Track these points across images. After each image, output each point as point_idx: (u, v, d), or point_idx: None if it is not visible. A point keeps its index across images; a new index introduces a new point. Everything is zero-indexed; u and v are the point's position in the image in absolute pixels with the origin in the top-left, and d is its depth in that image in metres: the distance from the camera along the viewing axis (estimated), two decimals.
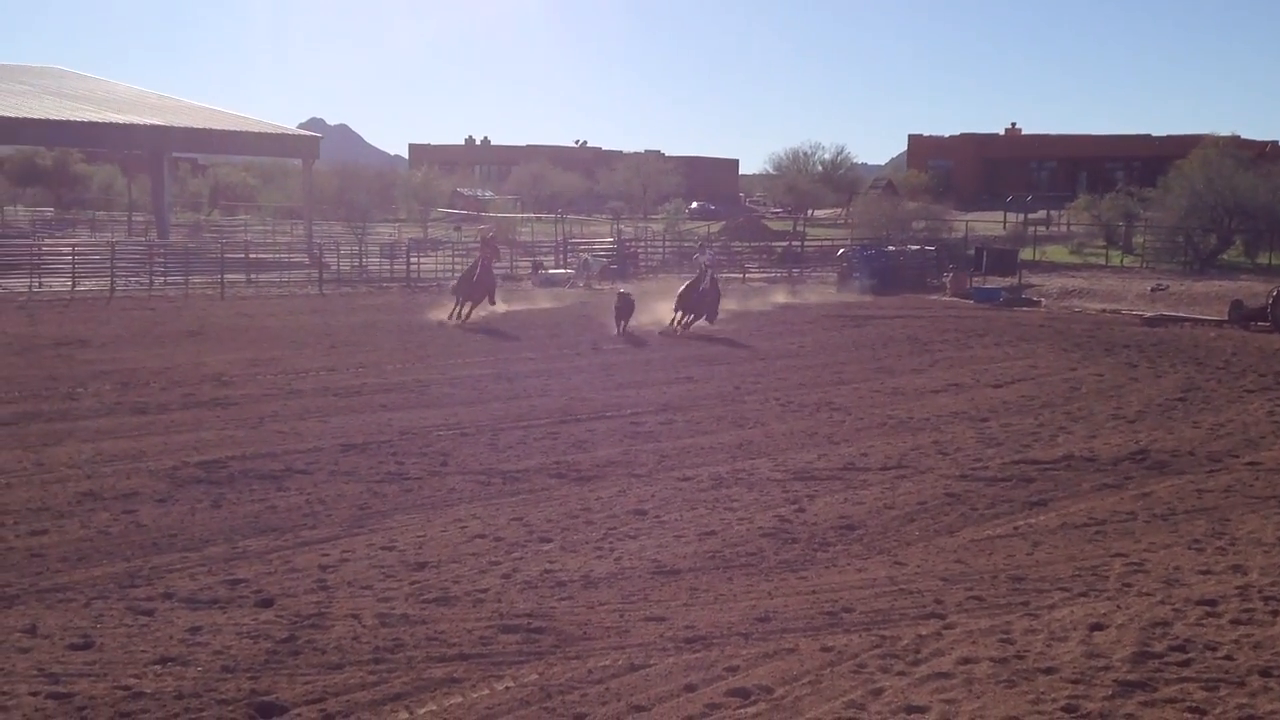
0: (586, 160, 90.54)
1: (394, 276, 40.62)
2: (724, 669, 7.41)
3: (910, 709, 6.82)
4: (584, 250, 46.69)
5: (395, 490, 11.74)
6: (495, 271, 29.84)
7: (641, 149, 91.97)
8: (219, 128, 49.66)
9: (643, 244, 50.06)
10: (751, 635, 7.98)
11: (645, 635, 7.95)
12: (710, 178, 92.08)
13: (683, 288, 27.14)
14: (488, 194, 78.25)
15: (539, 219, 62.86)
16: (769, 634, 8.00)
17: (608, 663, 7.46)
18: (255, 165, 78.26)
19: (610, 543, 10.15)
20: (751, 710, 6.84)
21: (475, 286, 27.71)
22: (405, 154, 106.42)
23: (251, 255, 41.13)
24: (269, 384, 17.91)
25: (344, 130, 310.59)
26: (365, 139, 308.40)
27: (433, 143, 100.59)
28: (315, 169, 53.44)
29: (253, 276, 38.06)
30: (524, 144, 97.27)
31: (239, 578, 8.98)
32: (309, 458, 13.01)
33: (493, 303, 28.20)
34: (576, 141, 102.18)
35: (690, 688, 7.12)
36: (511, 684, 7.14)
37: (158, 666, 7.26)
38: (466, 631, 7.93)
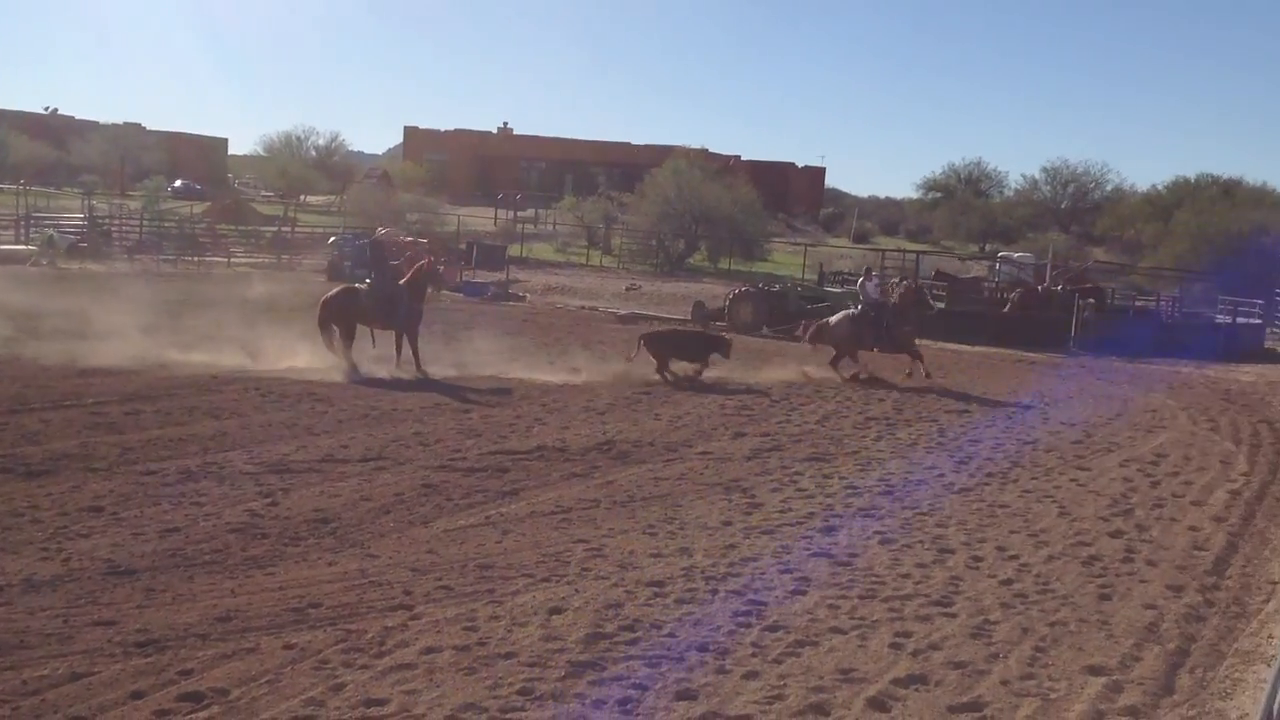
0: (57, 129, 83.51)
1: None
2: (177, 673, 7.06)
3: (370, 702, 6.82)
4: (49, 226, 43.02)
5: None
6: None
7: (120, 120, 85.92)
8: None
9: (118, 222, 46.89)
10: (210, 636, 7.66)
11: (91, 641, 7.42)
12: (196, 156, 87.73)
13: (839, 318, 23.00)
14: None
15: None
16: (229, 634, 7.72)
17: (46, 672, 6.89)
18: None
19: (59, 543, 9.38)
20: (204, 714, 6.56)
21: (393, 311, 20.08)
22: None
23: None
24: None
25: None
26: None
27: None
28: None
29: None
30: None
31: None
32: None
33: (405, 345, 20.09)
34: (46, 108, 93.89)
35: (138, 694, 6.73)
36: None
37: None
38: None
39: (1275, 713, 4.93)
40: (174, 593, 8.46)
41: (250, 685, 6.94)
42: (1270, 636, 8.73)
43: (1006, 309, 32.69)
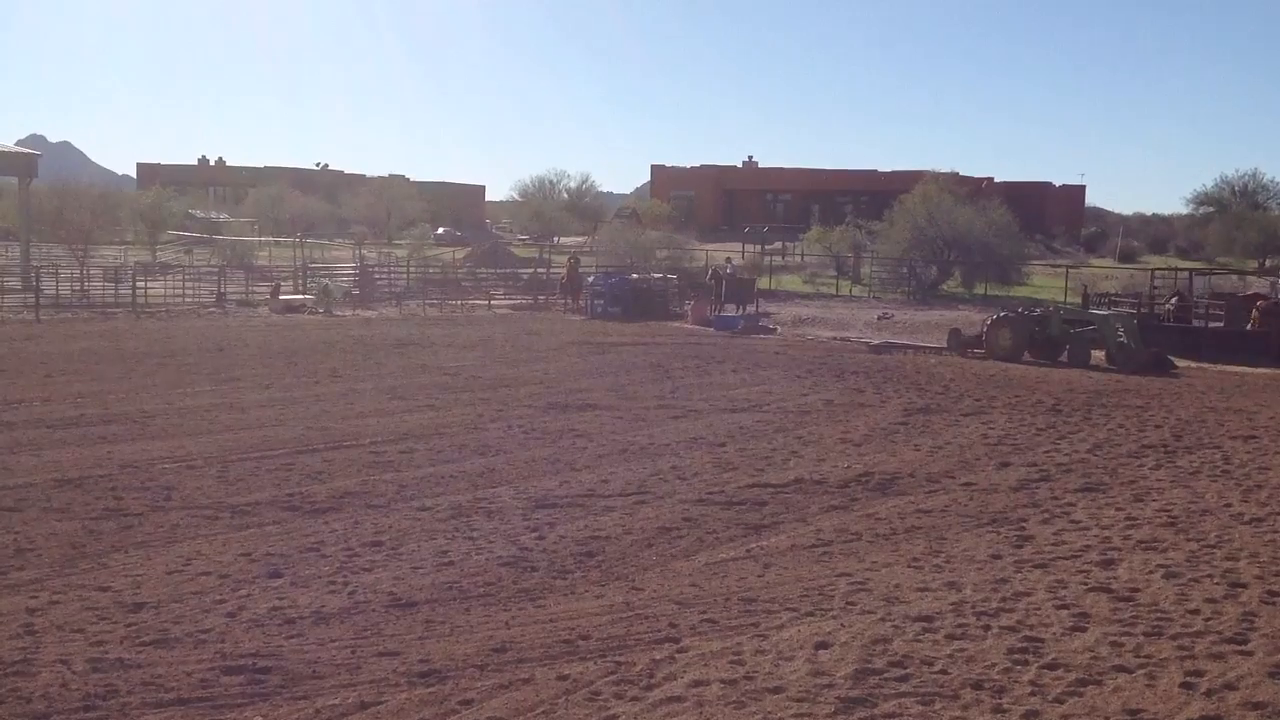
0: (328, 183, 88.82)
1: (119, 302, 38.71)
2: (458, 703, 7.29)
3: None
4: (324, 276, 45.66)
5: (113, 527, 11.11)
6: None
7: (385, 173, 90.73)
8: None
9: (386, 270, 49.32)
10: (487, 667, 7.89)
11: (377, 671, 7.75)
12: (456, 203, 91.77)
13: None
14: (223, 216, 75.54)
15: (278, 243, 61.10)
16: (504, 665, 7.93)
17: (337, 701, 7.23)
18: None
19: (344, 576, 9.86)
20: None
21: None
22: (134, 173, 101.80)
23: None
24: None
25: (66, 148, 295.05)
26: (90, 157, 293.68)
27: (163, 162, 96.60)
28: (33, 188, 50.39)
29: None
30: (261, 165, 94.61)
31: None
32: (19, 494, 12.19)
33: None
34: (317, 164, 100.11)
35: None
36: None
37: None
38: (186, 674, 7.55)
39: None
40: (451, 624, 8.76)
41: (527, 715, 7.10)
42: None
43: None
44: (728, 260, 47.36)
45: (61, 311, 36.24)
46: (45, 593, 9.15)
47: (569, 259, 46.64)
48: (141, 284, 39.72)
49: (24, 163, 49.80)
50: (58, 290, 39.80)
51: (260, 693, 7.33)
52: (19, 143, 72.27)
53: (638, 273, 45.02)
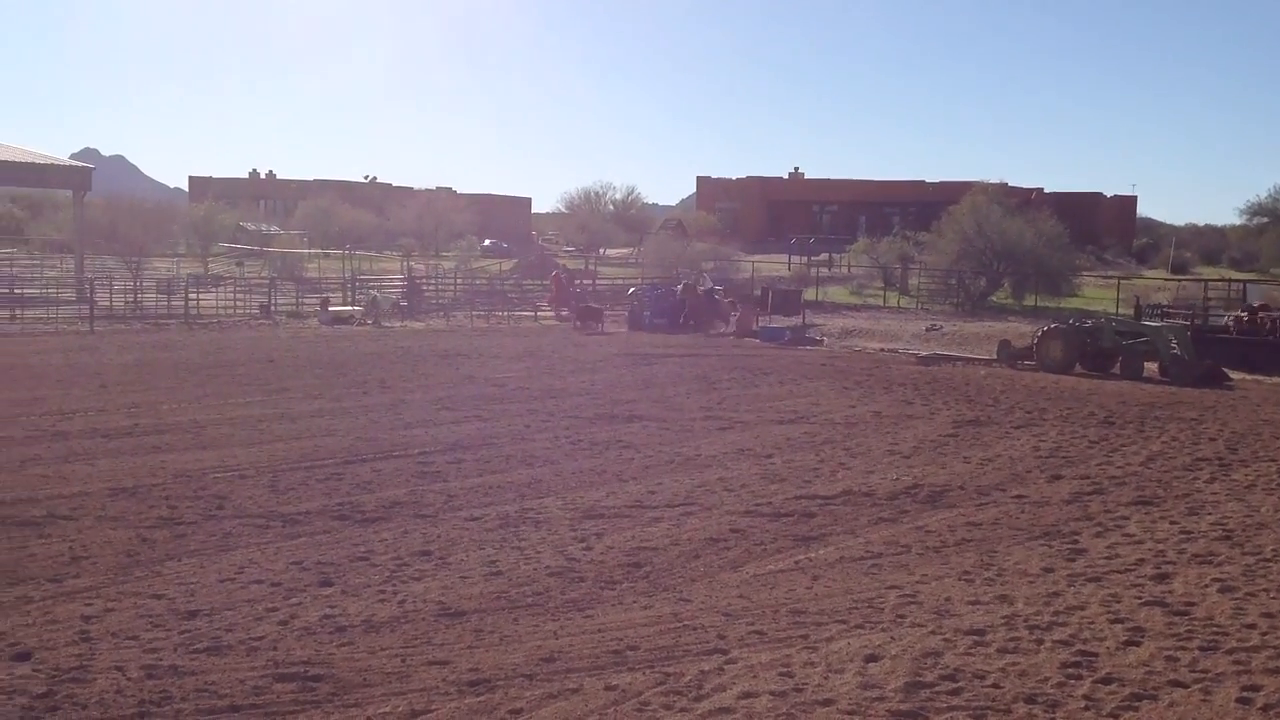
0: (376, 196, 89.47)
1: (171, 313, 39.21)
2: (507, 711, 7.30)
3: None
4: (373, 288, 46.01)
5: (166, 536, 11.23)
6: None
7: (433, 186, 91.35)
8: None
9: (434, 281, 49.60)
10: (536, 676, 7.89)
11: (427, 680, 7.78)
12: (503, 215, 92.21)
13: None
14: (273, 229, 76.27)
15: (327, 255, 61.62)
16: (553, 674, 7.94)
17: (387, 709, 7.27)
18: (22, 197, 74.55)
19: (394, 585, 9.92)
20: None
21: None
22: (185, 186, 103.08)
23: (16, 290, 39.16)
24: (32, 425, 16.95)
25: (120, 161, 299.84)
26: (143, 170, 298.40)
27: (215, 175, 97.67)
28: (87, 201, 51.13)
29: (17, 313, 36.25)
30: (311, 178, 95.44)
31: None
32: (74, 502, 12.35)
33: None
34: (366, 177, 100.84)
35: None
36: None
37: None
38: (239, 681, 7.61)
39: None
40: (500, 633, 8.78)
41: None
42: None
43: None
44: (704, 276, 47.09)
45: (115, 323, 36.73)
46: (100, 600, 9.26)
47: (554, 273, 46.78)
48: (194, 295, 40.23)
49: (78, 176, 50.57)
50: (111, 302, 40.41)
51: (312, 700, 7.38)
52: (73, 156, 73.28)
53: (684, 284, 44.99)
